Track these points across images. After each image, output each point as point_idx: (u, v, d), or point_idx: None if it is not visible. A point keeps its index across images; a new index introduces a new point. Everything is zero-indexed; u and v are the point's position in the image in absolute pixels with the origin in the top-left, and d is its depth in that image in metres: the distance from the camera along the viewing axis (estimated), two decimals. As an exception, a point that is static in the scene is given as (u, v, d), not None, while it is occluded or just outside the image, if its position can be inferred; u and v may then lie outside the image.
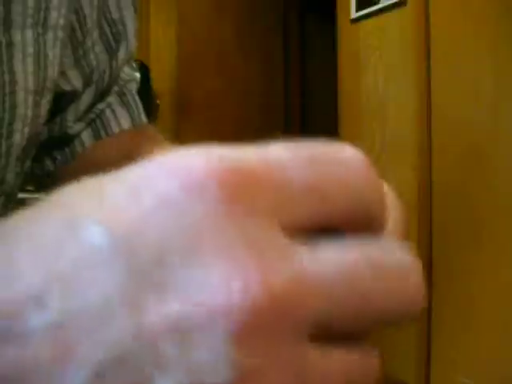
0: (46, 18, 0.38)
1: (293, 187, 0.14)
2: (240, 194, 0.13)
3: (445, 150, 1.70)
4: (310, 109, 3.00)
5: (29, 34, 0.37)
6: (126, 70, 0.49)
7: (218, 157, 0.13)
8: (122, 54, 0.47)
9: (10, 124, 0.37)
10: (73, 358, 0.12)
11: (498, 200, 1.54)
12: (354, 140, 2.01)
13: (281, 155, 0.14)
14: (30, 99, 0.37)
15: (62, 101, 0.44)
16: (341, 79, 2.06)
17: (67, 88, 0.44)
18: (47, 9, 0.38)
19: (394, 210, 0.23)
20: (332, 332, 0.14)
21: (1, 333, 0.12)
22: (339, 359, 0.14)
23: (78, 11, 0.43)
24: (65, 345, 0.12)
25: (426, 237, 1.71)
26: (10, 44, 0.35)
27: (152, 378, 0.12)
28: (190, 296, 0.12)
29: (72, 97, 0.45)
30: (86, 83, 0.45)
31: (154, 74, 2.28)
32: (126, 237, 0.12)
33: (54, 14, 0.38)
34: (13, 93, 0.36)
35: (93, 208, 0.13)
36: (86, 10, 0.43)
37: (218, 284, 0.12)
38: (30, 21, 0.36)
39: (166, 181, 0.13)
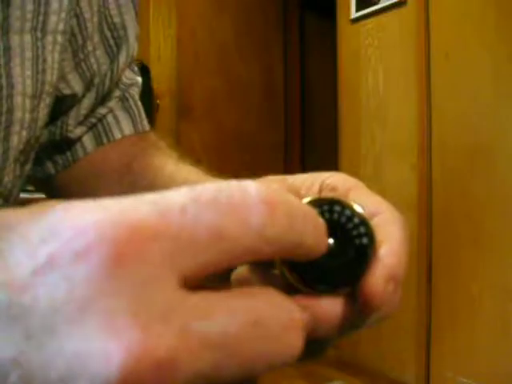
0: (44, 23, 0.38)
1: (190, 233, 0.14)
2: (128, 254, 0.13)
3: (445, 150, 1.70)
4: (310, 109, 3.00)
5: (27, 38, 0.37)
6: (128, 73, 0.49)
7: (111, 215, 0.13)
8: (123, 58, 0.47)
9: (8, 127, 0.37)
10: None
11: (498, 200, 1.55)
12: (354, 140, 2.02)
13: (181, 200, 0.14)
14: (28, 103, 0.37)
15: (62, 104, 0.44)
16: (341, 79, 2.07)
17: (67, 92, 0.44)
18: (46, 13, 0.38)
19: (391, 224, 0.23)
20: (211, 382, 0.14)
21: None
22: None
23: (77, 15, 0.43)
24: None
25: (426, 237, 1.71)
26: (7, 48, 0.35)
27: None
28: (73, 365, 0.12)
29: (72, 100, 0.45)
30: (87, 87, 0.45)
31: (153, 74, 2.28)
32: (20, 301, 0.13)
33: (53, 19, 0.38)
34: (10, 96, 0.36)
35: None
36: (86, 14, 0.43)
37: (97, 353, 0.12)
38: (28, 25, 0.36)
39: (61, 242, 0.13)
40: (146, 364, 0.12)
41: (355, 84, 1.99)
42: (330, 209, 0.21)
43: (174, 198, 0.14)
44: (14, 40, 0.36)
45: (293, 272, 0.20)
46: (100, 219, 0.13)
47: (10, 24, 0.35)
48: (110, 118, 0.47)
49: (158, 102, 2.32)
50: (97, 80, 0.45)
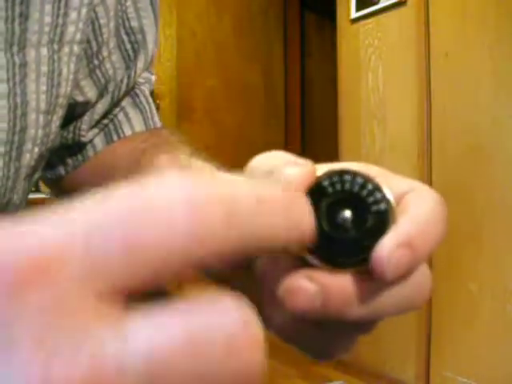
0: (62, 34, 0.37)
1: (98, 252, 0.12)
2: (29, 281, 0.12)
3: (445, 150, 1.70)
4: (310, 109, 3.00)
5: (44, 51, 0.35)
6: (143, 73, 0.48)
7: (10, 242, 0.12)
8: (140, 64, 0.45)
9: (20, 146, 0.35)
10: None
11: (498, 200, 1.54)
12: (354, 140, 2.02)
13: (89, 216, 0.13)
14: (41, 119, 0.36)
15: (74, 110, 0.43)
16: (341, 79, 2.07)
17: (80, 99, 0.43)
18: (64, 24, 0.36)
19: (421, 198, 0.21)
20: None
21: None
22: None
23: (93, 21, 0.42)
24: None
25: (426, 237, 1.71)
26: (23, 64, 0.34)
27: None
28: None
29: (85, 106, 0.44)
30: (100, 93, 0.44)
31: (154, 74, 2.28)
32: None
33: (71, 29, 0.37)
34: (24, 115, 0.35)
35: None
36: (102, 20, 0.42)
37: None
38: (45, 38, 0.35)
39: None
40: None
41: (355, 84, 1.99)
42: (341, 179, 0.20)
43: (82, 214, 0.13)
44: (30, 55, 0.34)
45: (308, 249, 0.19)
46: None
47: (27, 38, 0.34)
48: (120, 115, 0.46)
49: (158, 102, 2.32)
50: (111, 86, 0.44)
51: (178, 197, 0.13)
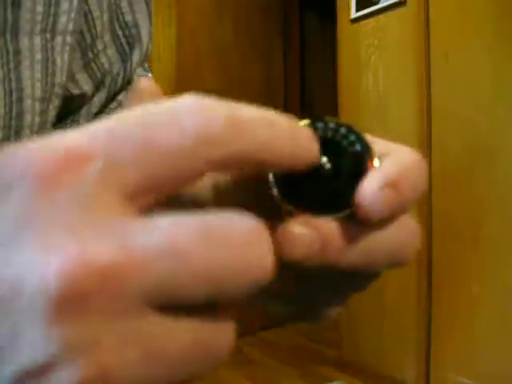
0: (54, 24, 0.37)
1: (119, 149, 0.14)
2: (60, 175, 0.14)
3: (445, 150, 1.70)
4: (310, 109, 3.00)
5: (37, 40, 0.36)
6: (139, 71, 0.48)
7: (39, 144, 0.14)
8: (136, 57, 0.46)
9: (18, 132, 0.36)
10: None
11: (498, 200, 1.55)
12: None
13: (108, 122, 0.15)
14: (37, 106, 0.37)
15: (71, 104, 0.44)
16: (341, 79, 2.07)
17: (76, 92, 0.43)
18: (56, 14, 0.37)
19: (402, 151, 0.21)
20: (178, 302, 0.14)
21: None
22: (188, 328, 0.14)
23: (86, 14, 0.42)
24: None
25: (426, 237, 1.72)
26: (17, 52, 0.35)
27: None
28: (13, 286, 0.13)
29: (81, 100, 0.44)
30: (97, 87, 0.44)
31: (154, 74, 2.28)
32: None
33: (63, 19, 0.38)
34: (19, 100, 0.36)
35: None
36: (95, 13, 0.43)
37: (34, 269, 0.13)
38: (38, 27, 0.36)
39: (3, 169, 0.14)
40: (86, 273, 0.12)
41: (355, 84, 1.99)
42: (314, 128, 0.20)
43: (101, 122, 0.15)
44: (24, 43, 0.35)
45: (287, 196, 0.19)
46: (29, 148, 0.14)
47: (20, 27, 0.35)
48: (118, 110, 0.46)
49: (158, 102, 2.32)
50: (108, 79, 0.45)
51: (187, 104, 0.15)
